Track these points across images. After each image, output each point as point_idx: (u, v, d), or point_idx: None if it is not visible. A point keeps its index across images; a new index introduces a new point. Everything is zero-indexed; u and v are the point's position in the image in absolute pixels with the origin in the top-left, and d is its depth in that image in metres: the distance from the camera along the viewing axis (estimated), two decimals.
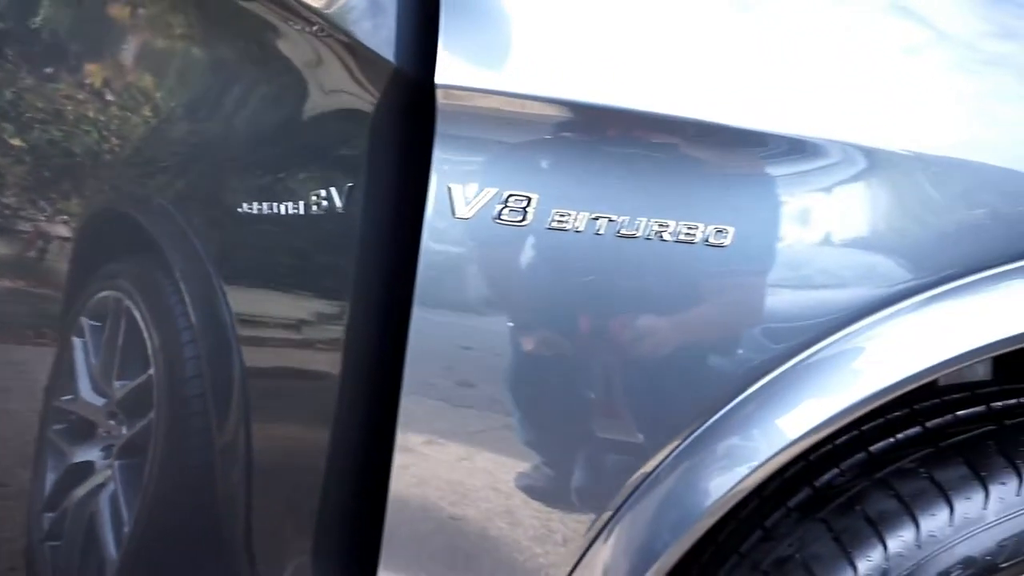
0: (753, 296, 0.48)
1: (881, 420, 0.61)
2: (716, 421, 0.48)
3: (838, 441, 0.60)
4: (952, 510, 0.49)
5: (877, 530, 0.51)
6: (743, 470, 0.48)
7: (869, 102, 0.48)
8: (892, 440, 0.58)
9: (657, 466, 0.48)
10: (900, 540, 0.50)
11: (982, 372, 0.69)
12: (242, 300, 0.57)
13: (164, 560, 0.62)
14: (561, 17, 0.49)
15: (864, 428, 0.61)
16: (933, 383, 0.59)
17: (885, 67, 0.50)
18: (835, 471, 0.58)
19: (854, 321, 0.47)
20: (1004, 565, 0.47)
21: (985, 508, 0.49)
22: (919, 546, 0.49)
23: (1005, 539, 0.48)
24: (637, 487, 0.49)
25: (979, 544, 0.48)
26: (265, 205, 0.53)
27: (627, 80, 0.48)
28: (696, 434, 0.48)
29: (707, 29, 0.50)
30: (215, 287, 0.56)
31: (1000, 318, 0.48)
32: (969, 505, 0.49)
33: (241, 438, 0.56)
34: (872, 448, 0.58)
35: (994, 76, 0.51)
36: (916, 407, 0.60)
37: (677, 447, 0.49)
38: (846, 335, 0.47)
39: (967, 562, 0.48)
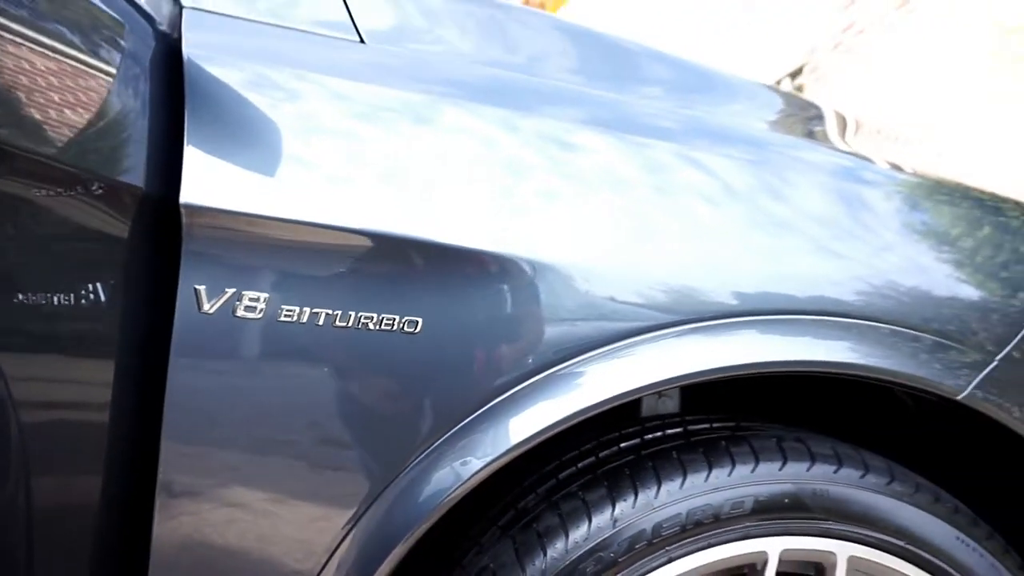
0: (437, 370, 0.63)
1: (575, 452, 0.78)
2: (426, 454, 0.63)
3: (544, 470, 0.77)
4: (591, 522, 0.67)
5: (542, 542, 0.67)
6: (447, 489, 0.63)
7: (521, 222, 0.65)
8: (573, 469, 0.75)
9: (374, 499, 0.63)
10: (555, 548, 0.66)
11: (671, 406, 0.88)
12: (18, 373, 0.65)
13: None
14: (278, 149, 0.62)
15: (563, 459, 0.78)
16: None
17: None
18: (532, 495, 0.75)
19: (519, 382, 0.63)
20: (621, 559, 0.65)
21: (613, 519, 0.66)
22: (567, 551, 0.66)
23: (623, 539, 0.66)
24: (367, 506, 0.63)
25: (606, 545, 0.66)
26: (41, 297, 0.62)
27: (331, 201, 0.61)
28: (408, 468, 0.63)
29: (397, 154, 0.65)
30: None
31: (631, 372, 0.65)
32: (602, 517, 0.67)
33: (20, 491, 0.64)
34: (559, 475, 0.76)
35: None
36: (599, 440, 0.78)
37: (393, 478, 0.63)
38: (516, 390, 0.63)
39: (598, 560, 0.66)
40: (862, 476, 0.68)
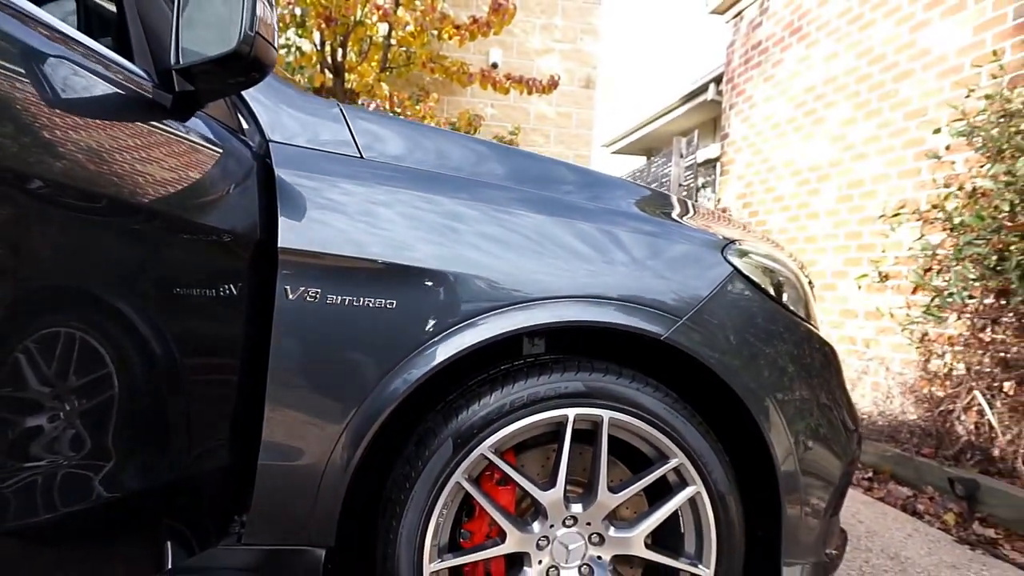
0: (402, 325, 1.28)
1: (483, 374, 1.44)
2: (392, 372, 1.28)
3: (463, 384, 1.43)
4: (480, 403, 1.32)
5: (457, 413, 1.33)
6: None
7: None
8: (479, 379, 1.41)
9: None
10: (463, 415, 1.32)
11: (540, 347, 1.55)
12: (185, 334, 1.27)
13: None
14: (324, 220, 1.26)
15: (473, 379, 1.43)
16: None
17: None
18: (456, 395, 1.40)
19: (445, 330, 1.28)
20: (495, 420, 1.31)
21: (493, 400, 1.33)
22: (468, 417, 1.32)
23: (496, 409, 1.32)
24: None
25: (488, 414, 1.32)
26: (204, 292, 1.24)
27: (347, 243, 1.26)
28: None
29: (381, 223, 1.29)
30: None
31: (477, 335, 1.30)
32: (487, 400, 1.33)
33: None
34: (470, 384, 1.41)
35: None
36: (496, 367, 1.44)
37: (374, 385, 1.28)
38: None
39: (485, 419, 1.32)
40: (617, 378, 1.35)
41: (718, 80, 6.88)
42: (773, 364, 1.43)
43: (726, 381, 1.37)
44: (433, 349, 1.28)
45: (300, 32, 4.82)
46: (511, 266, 1.32)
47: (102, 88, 0.98)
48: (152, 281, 1.09)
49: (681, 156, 7.00)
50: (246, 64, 1.01)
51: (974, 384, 2.75)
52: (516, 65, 6.50)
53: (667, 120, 9.05)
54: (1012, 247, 2.32)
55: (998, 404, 2.74)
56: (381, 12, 4.77)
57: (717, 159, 6.60)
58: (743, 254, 1.47)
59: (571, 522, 1.38)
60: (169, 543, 1.24)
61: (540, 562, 1.37)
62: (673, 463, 1.38)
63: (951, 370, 2.90)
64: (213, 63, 1.00)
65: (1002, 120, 2.48)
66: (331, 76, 5.23)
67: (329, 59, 5.19)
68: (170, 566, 1.21)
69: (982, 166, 2.57)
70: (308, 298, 1.24)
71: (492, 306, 1.30)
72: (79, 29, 1.04)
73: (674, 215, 1.60)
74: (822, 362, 1.54)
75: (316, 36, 5.10)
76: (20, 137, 0.83)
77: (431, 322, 1.28)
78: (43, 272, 0.89)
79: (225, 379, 1.26)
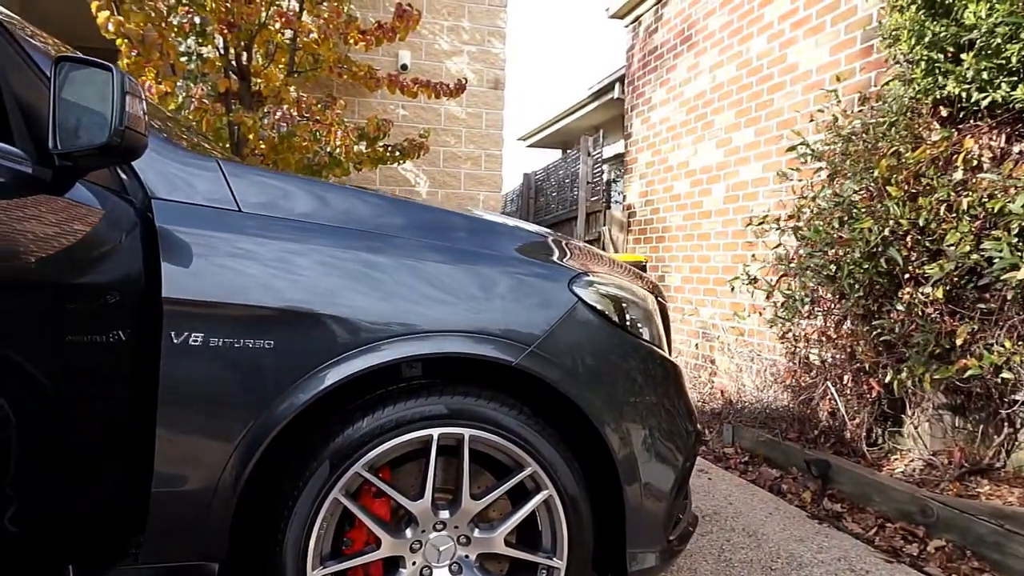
0: (286, 359, 1.43)
1: (369, 395, 1.61)
2: (282, 394, 1.43)
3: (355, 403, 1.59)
4: (364, 421, 1.49)
5: (352, 426, 1.49)
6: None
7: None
8: (366, 401, 1.58)
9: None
10: (352, 430, 1.49)
11: (417, 372, 1.73)
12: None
13: None
14: (203, 270, 1.40)
15: (363, 399, 1.60)
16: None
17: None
18: (353, 413, 1.57)
19: (332, 357, 1.45)
20: (372, 439, 1.49)
21: (372, 420, 1.50)
22: (354, 433, 1.49)
23: (372, 429, 1.49)
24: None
25: (368, 431, 1.49)
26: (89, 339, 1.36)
27: (223, 289, 1.40)
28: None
29: (254, 267, 1.44)
30: None
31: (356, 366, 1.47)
32: (370, 419, 1.50)
33: None
34: (359, 404, 1.58)
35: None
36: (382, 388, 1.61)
37: (268, 406, 1.43)
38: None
39: (364, 436, 1.49)
40: (476, 399, 1.55)
41: (622, 80, 7.18)
42: (612, 378, 1.65)
43: (568, 396, 1.59)
44: (304, 383, 1.44)
45: (201, 40, 4.80)
46: (375, 307, 1.49)
47: None
48: (45, 333, 1.21)
49: (588, 154, 7.28)
50: (117, 153, 1.15)
51: (827, 376, 3.10)
52: (426, 67, 6.61)
53: (578, 116, 9.33)
54: (844, 258, 2.65)
55: (848, 392, 3.10)
56: (284, 19, 4.80)
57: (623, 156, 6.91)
58: (589, 284, 1.69)
59: (441, 527, 1.58)
60: (71, 567, 1.37)
61: (414, 563, 1.56)
62: (528, 471, 1.59)
63: (808, 362, 3.26)
64: (87, 151, 1.13)
65: (837, 144, 2.80)
66: (236, 80, 5.22)
67: (234, 63, 5.18)
68: None
69: (821, 188, 2.91)
70: (192, 341, 1.38)
71: (357, 344, 1.47)
72: None
73: (541, 254, 1.78)
74: (662, 375, 1.78)
75: (219, 41, 5.07)
76: None
77: (304, 360, 1.44)
78: None
79: (118, 418, 1.39)
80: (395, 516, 1.60)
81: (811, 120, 3.28)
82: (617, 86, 7.58)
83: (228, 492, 1.42)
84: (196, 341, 1.39)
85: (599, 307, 1.67)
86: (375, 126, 5.38)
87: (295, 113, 5.05)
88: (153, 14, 4.58)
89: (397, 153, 5.69)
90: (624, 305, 1.74)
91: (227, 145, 4.88)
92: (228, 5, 4.54)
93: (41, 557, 1.30)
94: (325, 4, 5.28)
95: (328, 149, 4.96)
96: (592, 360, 1.64)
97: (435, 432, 1.53)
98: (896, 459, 3.12)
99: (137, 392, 1.39)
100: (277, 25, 4.85)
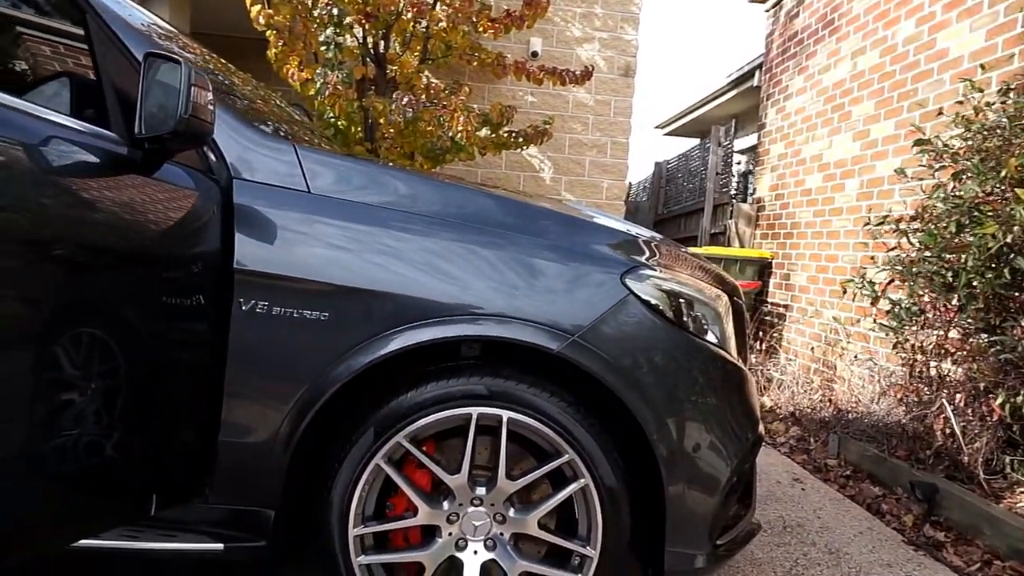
0: (339, 331, 1.55)
1: (431, 368, 1.70)
2: (342, 358, 1.56)
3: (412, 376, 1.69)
4: (415, 392, 1.59)
5: (407, 396, 1.59)
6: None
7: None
8: (427, 373, 1.67)
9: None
10: (406, 398, 1.59)
11: (475, 351, 1.79)
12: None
13: None
14: (271, 244, 1.53)
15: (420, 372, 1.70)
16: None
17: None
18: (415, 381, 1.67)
19: (389, 327, 1.55)
20: (423, 409, 1.57)
21: (429, 391, 1.58)
22: (408, 399, 1.58)
23: (424, 399, 1.58)
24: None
25: (420, 401, 1.58)
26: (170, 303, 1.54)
27: (288, 265, 1.53)
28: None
29: (316, 245, 1.56)
30: None
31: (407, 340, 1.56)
32: (422, 390, 1.59)
33: None
34: (418, 376, 1.68)
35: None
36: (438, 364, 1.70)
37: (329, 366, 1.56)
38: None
39: (416, 404, 1.58)
40: (517, 383, 1.59)
41: (761, 67, 6.83)
42: (660, 375, 1.63)
43: (609, 386, 1.59)
44: (353, 355, 1.54)
45: (339, 30, 5.11)
46: (431, 286, 1.57)
47: (86, 155, 1.28)
48: (137, 300, 1.41)
49: (719, 144, 7.00)
50: (185, 138, 1.29)
51: (944, 393, 2.84)
52: (556, 54, 6.64)
53: (715, 104, 8.98)
54: (961, 265, 2.39)
55: (967, 413, 2.82)
56: (417, 9, 5.00)
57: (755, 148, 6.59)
58: (644, 278, 1.67)
59: (478, 503, 1.64)
60: (154, 495, 1.57)
61: (450, 534, 1.64)
62: (564, 459, 1.61)
63: (925, 376, 2.98)
64: (161, 135, 1.28)
65: (969, 139, 2.52)
66: (373, 67, 5.51)
67: (372, 51, 5.47)
68: (152, 512, 1.55)
69: (936, 188, 2.63)
70: (258, 309, 1.53)
71: (398, 322, 1.55)
72: (72, 103, 1.35)
73: (605, 247, 1.77)
74: (721, 378, 1.73)
75: (358, 31, 5.38)
76: (26, 206, 1.15)
77: (354, 333, 1.55)
78: (66, 297, 1.26)
79: (196, 373, 1.57)
80: (435, 487, 1.68)
81: (940, 114, 2.97)
82: (757, 74, 7.23)
83: (283, 447, 1.56)
84: (261, 309, 1.53)
85: (653, 301, 1.65)
86: (499, 112, 5.49)
87: (424, 98, 5.27)
88: (299, 7, 4.94)
89: (520, 139, 5.78)
90: (681, 301, 1.71)
91: (358, 129, 5.18)
92: None
93: (133, 484, 1.51)
94: None
95: (450, 134, 5.13)
96: (639, 354, 1.62)
97: (474, 411, 1.59)
98: (1022, 492, 2.81)
99: (211, 351, 1.56)
100: (409, 15, 5.07)
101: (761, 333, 5.49)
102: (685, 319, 1.71)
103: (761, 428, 1.90)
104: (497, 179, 6.76)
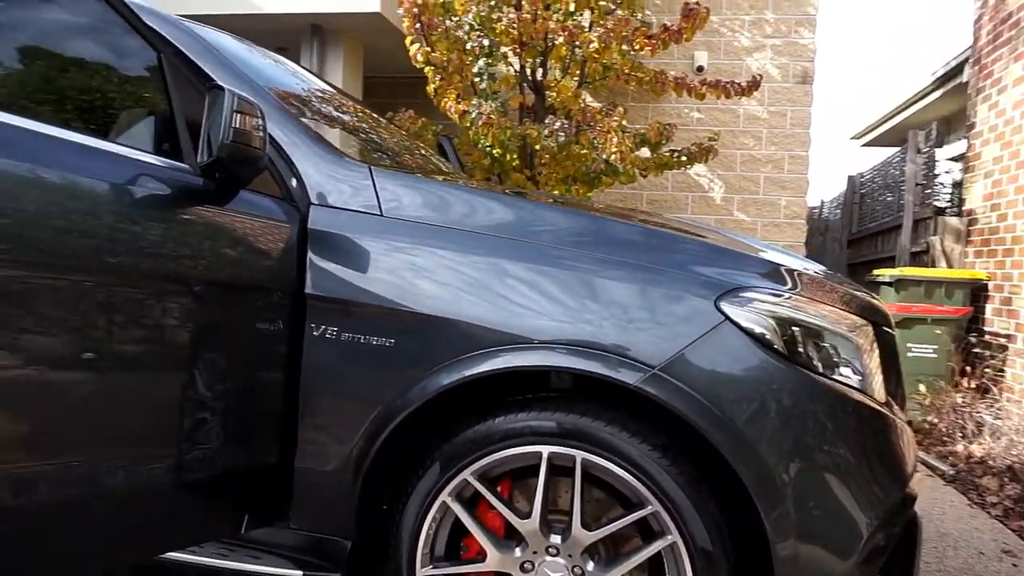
0: (406, 358, 1.49)
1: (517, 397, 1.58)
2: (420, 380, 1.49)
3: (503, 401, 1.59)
4: (502, 419, 1.47)
5: (494, 421, 1.47)
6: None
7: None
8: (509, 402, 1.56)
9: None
10: (489, 424, 1.48)
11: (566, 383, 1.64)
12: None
13: None
14: (341, 269, 1.51)
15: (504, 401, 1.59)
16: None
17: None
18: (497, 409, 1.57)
19: (465, 352, 1.47)
20: (504, 440, 1.45)
21: (513, 420, 1.46)
22: (492, 426, 1.47)
23: (502, 430, 1.46)
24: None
25: (504, 430, 1.47)
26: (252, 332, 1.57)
27: (355, 289, 1.49)
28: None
29: (395, 269, 1.50)
30: None
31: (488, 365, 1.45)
32: (505, 419, 1.47)
33: None
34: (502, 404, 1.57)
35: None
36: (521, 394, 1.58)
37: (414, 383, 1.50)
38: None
39: (503, 432, 1.46)
40: (593, 420, 1.42)
41: (969, 61, 5.94)
42: (763, 417, 1.38)
43: (697, 428, 1.36)
44: (419, 384, 1.47)
45: (491, 61, 5.20)
46: (496, 313, 1.46)
47: (163, 188, 1.35)
48: (229, 324, 1.48)
49: (918, 151, 6.15)
50: (229, 163, 1.32)
51: None
52: (724, 66, 6.26)
53: (918, 108, 7.94)
54: None
55: None
56: (568, 33, 4.96)
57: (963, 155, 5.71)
58: (746, 301, 1.43)
59: (554, 552, 1.48)
60: (247, 515, 1.60)
61: None
62: (647, 511, 1.40)
63: None
64: (212, 163, 1.31)
65: None
66: (531, 95, 5.56)
67: (530, 78, 5.52)
68: (243, 531, 1.58)
69: None
70: (328, 334, 1.51)
71: (466, 351, 1.45)
72: (154, 139, 1.43)
73: (708, 266, 1.55)
74: (852, 424, 1.44)
75: (514, 60, 5.45)
76: (119, 237, 1.26)
77: (420, 361, 1.48)
78: (167, 326, 1.38)
79: (277, 397, 1.59)
80: (510, 532, 1.54)
81: None
82: (966, 69, 6.30)
83: (352, 475, 1.52)
84: (331, 334, 1.51)
85: (757, 330, 1.40)
86: (656, 131, 5.26)
87: (578, 122, 5.20)
88: (455, 41, 5.12)
89: (684, 158, 5.50)
90: (798, 330, 1.44)
91: (514, 157, 5.21)
92: (516, 25, 4.85)
93: (229, 502, 1.55)
94: (612, 14, 5.34)
95: (604, 156, 4.99)
96: (737, 392, 1.39)
97: (544, 450, 1.44)
98: None
99: (290, 375, 1.57)
100: (560, 40, 5.04)
101: (970, 368, 4.67)
102: (804, 352, 1.43)
103: (914, 486, 1.55)
104: (663, 201, 6.50)
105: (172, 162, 1.40)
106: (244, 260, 1.50)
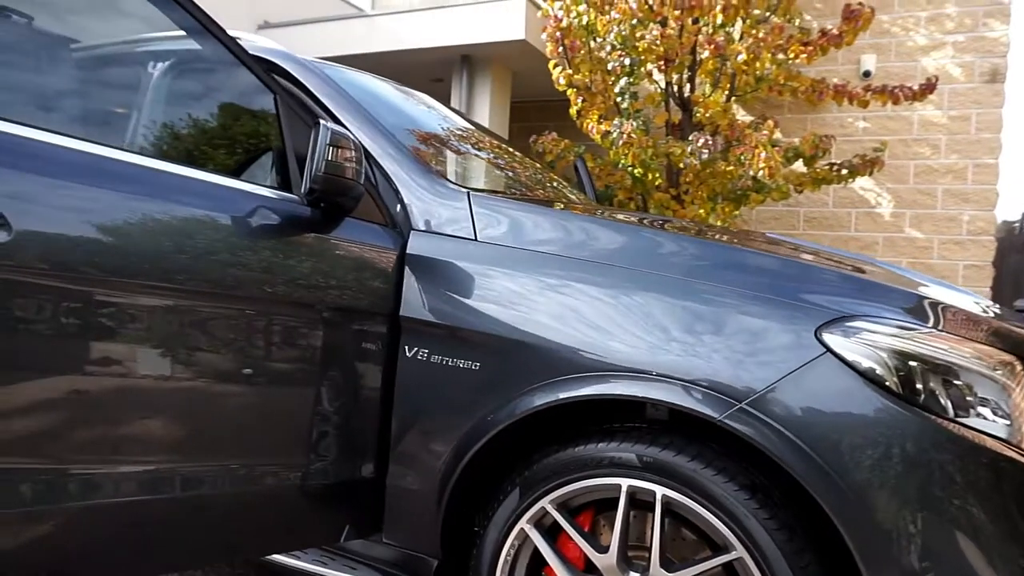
0: (497, 378, 1.50)
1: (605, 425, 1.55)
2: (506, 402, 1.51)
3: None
4: (582, 446, 1.45)
5: (574, 449, 1.45)
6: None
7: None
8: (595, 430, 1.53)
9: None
10: (571, 452, 1.46)
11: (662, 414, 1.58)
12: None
13: None
14: (439, 294, 1.56)
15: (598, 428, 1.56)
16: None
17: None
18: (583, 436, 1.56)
19: (550, 377, 1.47)
20: (586, 468, 1.42)
21: (598, 448, 1.44)
22: (575, 452, 1.46)
23: (589, 457, 1.43)
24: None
25: (588, 457, 1.44)
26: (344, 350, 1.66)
27: (450, 315, 1.53)
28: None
29: (488, 295, 1.53)
30: None
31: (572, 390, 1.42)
32: (588, 447, 1.44)
33: None
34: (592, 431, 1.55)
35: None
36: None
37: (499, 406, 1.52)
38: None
39: (589, 460, 1.44)
40: (675, 454, 1.34)
41: None
42: (871, 461, 1.23)
43: (788, 469, 1.24)
44: (503, 409, 1.47)
45: (632, 80, 5.14)
46: (582, 339, 1.43)
47: (275, 217, 1.48)
48: (335, 346, 1.59)
49: None
50: (322, 193, 1.40)
51: None
52: (895, 69, 5.72)
53: None
54: None
55: None
56: (714, 46, 4.80)
57: None
58: (852, 332, 1.29)
59: None
60: (347, 525, 1.69)
61: None
62: (731, 556, 1.30)
63: None
64: (309, 193, 1.41)
65: None
66: (678, 111, 5.43)
67: (676, 95, 5.40)
68: (342, 540, 1.67)
69: None
70: (419, 356, 1.57)
71: (555, 375, 1.43)
72: (272, 174, 1.57)
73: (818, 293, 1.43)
74: (987, 479, 1.24)
75: (659, 77, 5.35)
76: (235, 264, 1.40)
77: (505, 385, 1.48)
78: (280, 347, 1.53)
79: (376, 414, 1.66)
80: (588, 565, 1.49)
81: None
82: None
83: (437, 495, 1.55)
84: (423, 356, 1.56)
85: (863, 364, 1.26)
86: (811, 144, 4.93)
87: (725, 138, 4.99)
88: (596, 62, 5.12)
89: (844, 171, 5.10)
90: (918, 366, 1.27)
91: (655, 176, 5.10)
92: (660, 42, 4.77)
93: (333, 511, 1.66)
94: (766, 22, 5.09)
95: (752, 172, 4.75)
96: (837, 434, 1.25)
97: (623, 482, 1.38)
98: None
99: (385, 394, 1.64)
100: (706, 54, 4.88)
101: None
102: (924, 391, 1.26)
103: None
104: (823, 219, 6.05)
105: (285, 194, 1.52)
106: (350, 284, 1.59)
